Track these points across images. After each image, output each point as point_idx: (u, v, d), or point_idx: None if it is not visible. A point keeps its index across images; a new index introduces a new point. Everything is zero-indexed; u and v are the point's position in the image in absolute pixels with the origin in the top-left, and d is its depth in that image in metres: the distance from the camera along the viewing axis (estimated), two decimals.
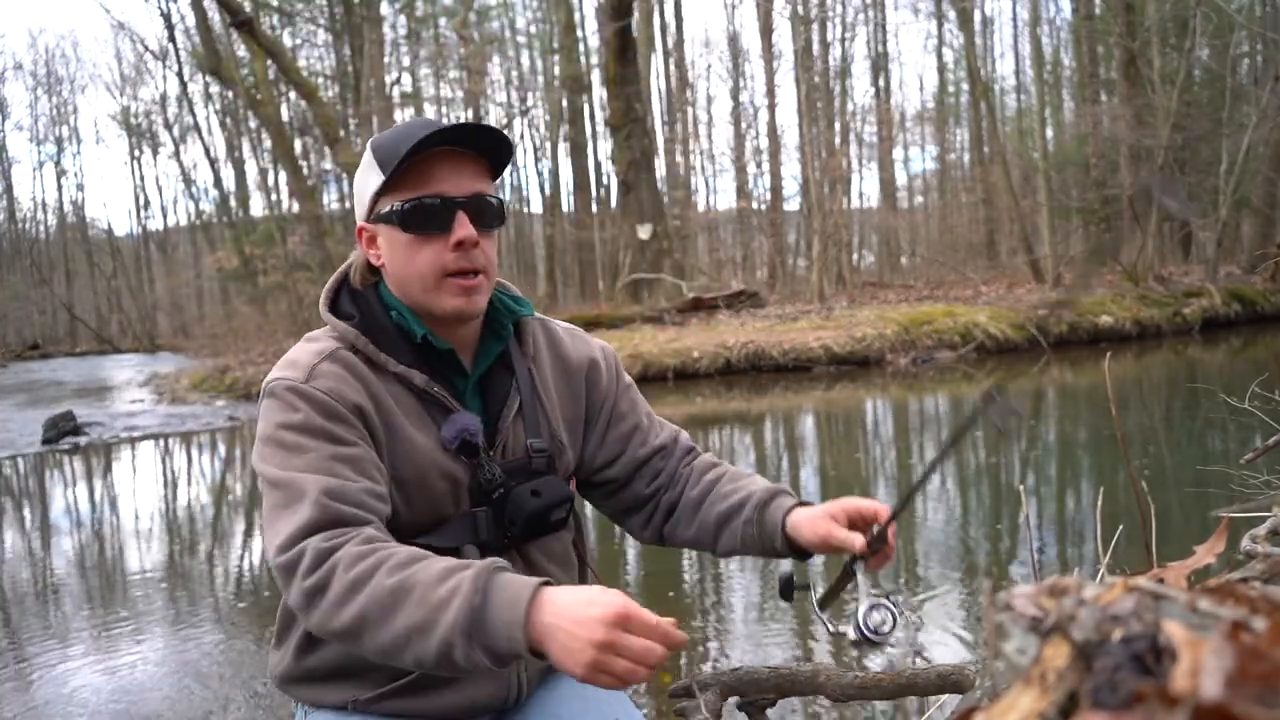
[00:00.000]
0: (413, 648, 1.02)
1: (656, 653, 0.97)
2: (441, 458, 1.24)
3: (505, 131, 1.25)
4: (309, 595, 1.06)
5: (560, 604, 0.98)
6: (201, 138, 33.36)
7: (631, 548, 5.14)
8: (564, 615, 0.97)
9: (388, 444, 1.22)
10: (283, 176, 26.01)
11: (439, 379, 1.27)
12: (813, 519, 1.23)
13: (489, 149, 1.24)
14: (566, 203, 31.30)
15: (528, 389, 1.33)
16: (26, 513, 7.44)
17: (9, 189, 43.70)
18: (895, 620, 1.16)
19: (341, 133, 18.58)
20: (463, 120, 1.40)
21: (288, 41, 25.68)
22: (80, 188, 63.01)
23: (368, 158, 1.25)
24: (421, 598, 1.01)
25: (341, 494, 1.11)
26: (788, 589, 1.32)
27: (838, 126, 28.15)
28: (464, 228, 1.20)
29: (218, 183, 32.15)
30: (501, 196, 1.27)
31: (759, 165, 30.57)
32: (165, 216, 50.77)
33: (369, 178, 1.24)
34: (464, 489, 1.26)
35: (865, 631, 1.15)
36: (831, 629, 1.23)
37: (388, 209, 1.22)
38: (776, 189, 28.35)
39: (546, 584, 1.01)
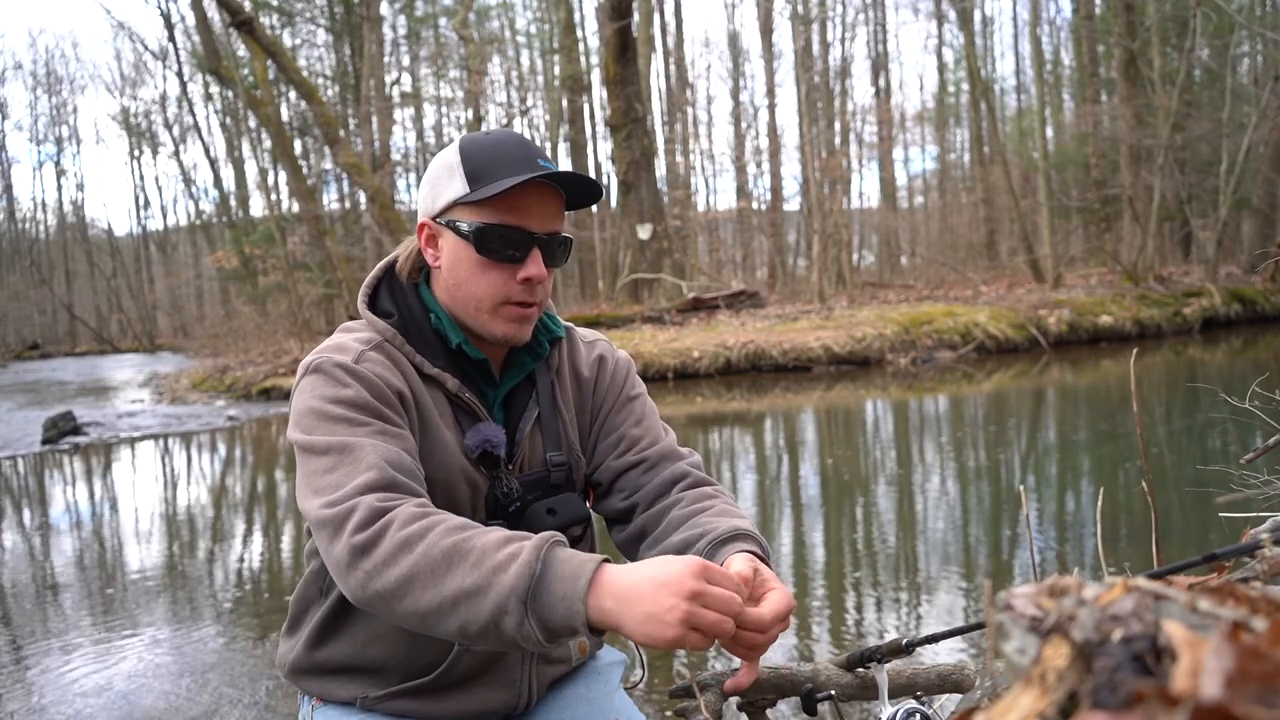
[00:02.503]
0: (460, 612, 0.97)
1: (738, 602, 0.94)
2: (466, 464, 1.24)
3: (599, 185, 1.24)
4: (355, 551, 1.02)
5: (632, 574, 0.95)
6: (201, 138, 33.46)
7: None
8: (642, 582, 0.93)
9: (422, 440, 1.21)
10: (283, 176, 26.02)
11: (470, 386, 1.27)
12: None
13: (571, 187, 1.23)
14: None
15: (548, 401, 1.33)
16: (26, 513, 7.44)
17: (9, 189, 43.78)
18: None
19: (341, 133, 18.56)
20: (450, 128, 1.36)
21: (288, 41, 25.68)
22: (80, 188, 63.15)
23: (453, 160, 1.22)
24: (478, 560, 0.98)
25: (399, 464, 1.10)
26: (809, 701, 1.31)
27: (838, 126, 28.20)
28: (536, 265, 1.21)
29: (218, 183, 32.23)
30: (570, 235, 1.27)
31: (759, 165, 30.62)
32: (165, 216, 50.94)
33: (451, 182, 1.22)
34: (482, 500, 1.25)
35: None
36: None
37: (464, 223, 1.20)
38: (776, 189, 28.38)
39: (607, 560, 0.98)
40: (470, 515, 1.24)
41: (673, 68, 30.30)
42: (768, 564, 1.14)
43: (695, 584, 0.93)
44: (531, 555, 0.97)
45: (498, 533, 1.02)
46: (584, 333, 1.44)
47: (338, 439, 1.10)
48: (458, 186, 1.20)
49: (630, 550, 1.33)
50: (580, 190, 1.24)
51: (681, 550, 1.20)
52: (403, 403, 1.19)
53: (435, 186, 1.24)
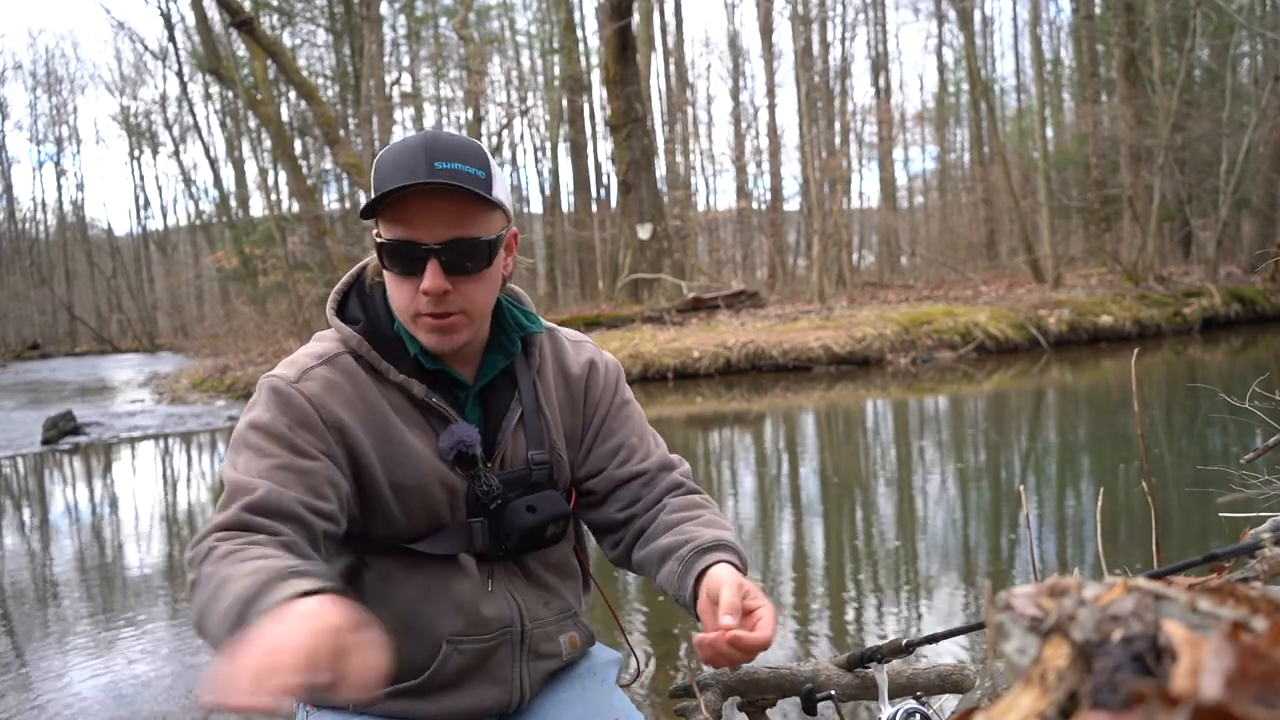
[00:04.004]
0: (211, 636, 0.98)
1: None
2: (440, 466, 1.24)
3: (477, 179, 1.16)
4: (190, 590, 1.06)
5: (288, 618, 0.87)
6: (201, 138, 33.46)
7: None
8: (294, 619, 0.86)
9: (383, 451, 1.21)
10: (283, 176, 26.02)
11: (438, 389, 1.26)
12: (717, 584, 1.12)
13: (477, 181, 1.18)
14: (566, 203, 31.34)
15: (530, 401, 1.33)
16: (26, 513, 7.44)
17: (9, 189, 43.71)
18: None
19: (341, 133, 18.56)
20: (449, 128, 1.30)
21: (288, 41, 25.65)
22: (80, 188, 63.05)
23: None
24: (231, 589, 0.96)
25: (264, 505, 1.09)
26: (809, 701, 1.32)
27: (838, 126, 28.18)
28: (432, 277, 1.16)
29: (218, 183, 32.22)
30: (491, 236, 1.19)
31: (759, 165, 30.58)
32: (165, 216, 50.89)
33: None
34: (461, 499, 1.26)
35: None
36: None
37: (378, 238, 1.20)
38: (776, 189, 28.36)
39: (314, 593, 0.90)
40: (449, 515, 1.26)
41: (673, 68, 30.29)
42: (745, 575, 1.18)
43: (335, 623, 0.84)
44: (250, 585, 0.94)
45: (260, 563, 0.99)
46: (568, 333, 1.44)
47: (233, 475, 1.14)
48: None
49: (624, 558, 1.35)
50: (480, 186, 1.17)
51: (667, 554, 1.23)
52: (339, 428, 1.19)
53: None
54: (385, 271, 1.22)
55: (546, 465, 1.32)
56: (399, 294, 1.21)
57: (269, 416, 1.17)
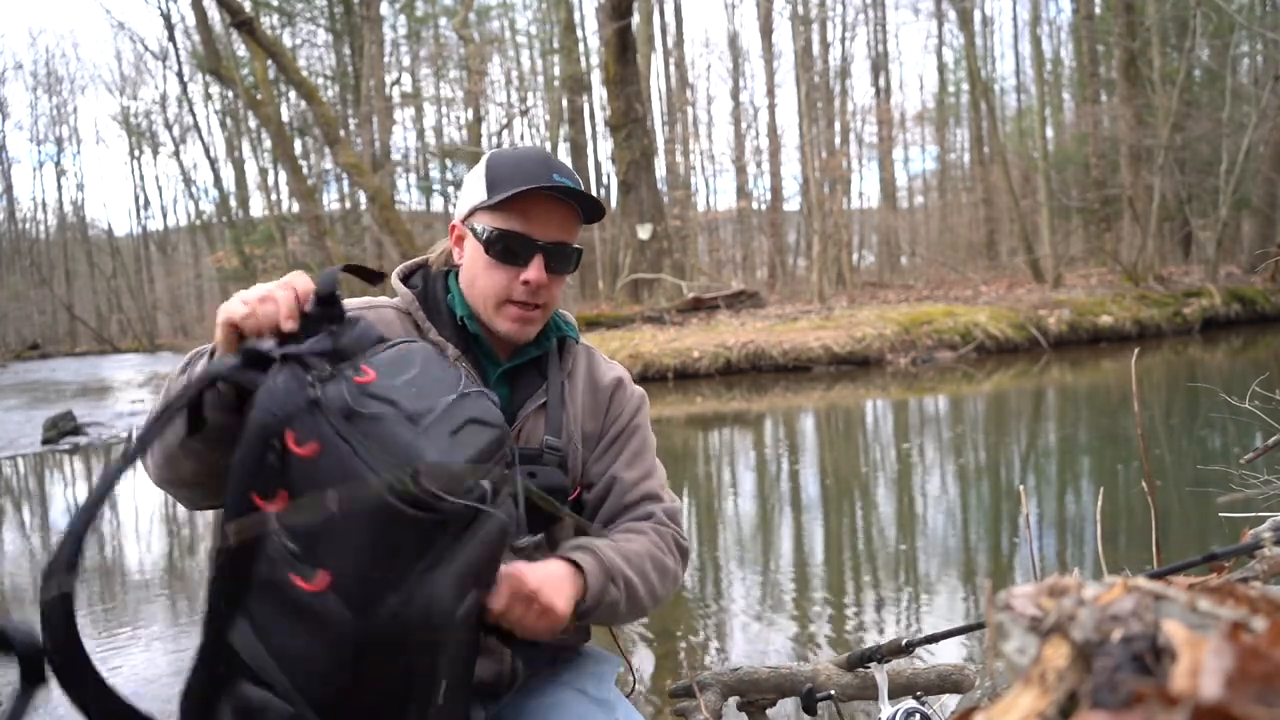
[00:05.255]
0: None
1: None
2: None
3: (602, 204, 1.36)
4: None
5: None
6: (201, 138, 33.41)
7: None
8: None
9: None
10: (283, 176, 26.02)
11: (469, 359, 1.37)
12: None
13: (583, 202, 1.35)
14: None
15: (556, 393, 1.41)
16: (26, 513, 7.44)
17: (9, 189, 43.67)
18: None
19: (341, 133, 18.56)
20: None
21: (288, 41, 25.65)
22: (80, 188, 63.03)
23: (481, 168, 1.37)
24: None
25: None
26: (809, 701, 1.34)
27: (838, 126, 28.17)
28: (536, 270, 1.32)
29: (218, 183, 32.19)
30: (579, 246, 1.39)
31: (759, 165, 30.57)
32: (165, 216, 50.84)
33: (476, 188, 1.35)
34: None
35: None
36: None
37: (480, 226, 1.34)
38: (776, 189, 28.36)
39: None
40: None
41: (673, 68, 30.27)
42: (583, 579, 1.21)
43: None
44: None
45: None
46: (604, 355, 1.55)
47: None
48: (479, 193, 1.34)
49: None
50: (591, 205, 1.36)
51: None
52: None
53: (466, 193, 1.39)
54: (485, 256, 1.33)
55: (560, 453, 1.37)
56: (493, 278, 1.33)
57: None
